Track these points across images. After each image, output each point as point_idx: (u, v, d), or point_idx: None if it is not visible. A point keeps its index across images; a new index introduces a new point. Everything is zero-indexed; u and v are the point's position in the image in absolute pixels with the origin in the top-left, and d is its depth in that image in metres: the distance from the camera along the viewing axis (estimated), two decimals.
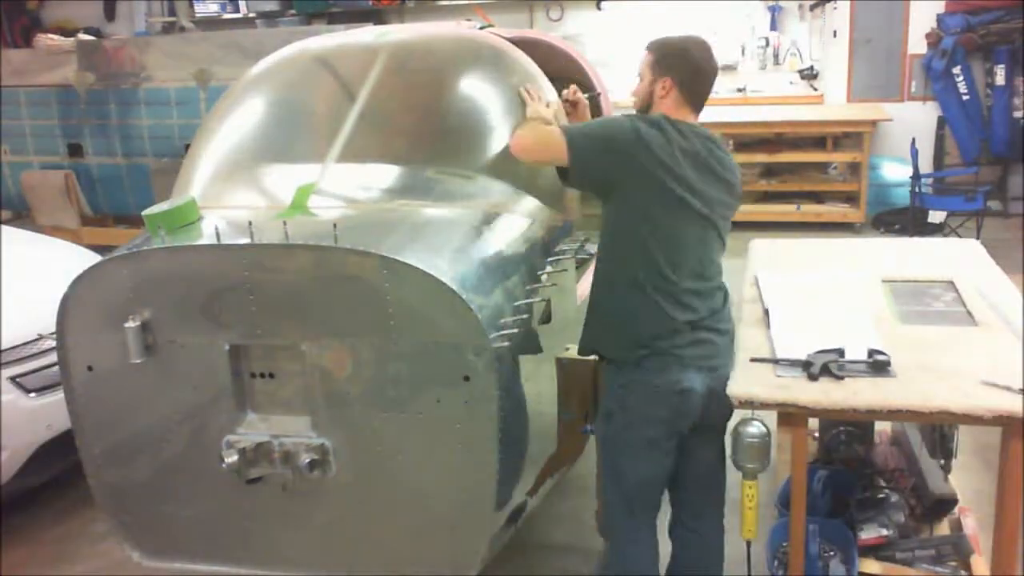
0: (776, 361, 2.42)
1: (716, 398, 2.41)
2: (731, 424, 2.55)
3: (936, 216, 6.63)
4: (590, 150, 2.44)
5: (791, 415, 2.33)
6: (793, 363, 2.38)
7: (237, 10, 9.33)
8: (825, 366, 2.32)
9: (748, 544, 2.63)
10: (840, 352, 2.37)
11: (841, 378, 2.30)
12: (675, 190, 2.36)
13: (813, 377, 2.31)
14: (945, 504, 2.98)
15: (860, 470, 3.14)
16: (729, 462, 2.58)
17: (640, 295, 2.41)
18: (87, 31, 9.04)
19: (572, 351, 2.82)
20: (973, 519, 3.01)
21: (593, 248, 3.45)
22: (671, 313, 2.40)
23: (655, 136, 2.37)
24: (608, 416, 2.52)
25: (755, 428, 2.48)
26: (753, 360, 2.44)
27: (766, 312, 2.77)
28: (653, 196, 2.38)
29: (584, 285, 3.14)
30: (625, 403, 2.46)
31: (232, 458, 2.37)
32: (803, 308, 2.78)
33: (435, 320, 2.24)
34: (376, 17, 8.81)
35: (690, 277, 2.43)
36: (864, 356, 2.36)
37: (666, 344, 2.40)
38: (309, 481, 2.39)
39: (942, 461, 3.00)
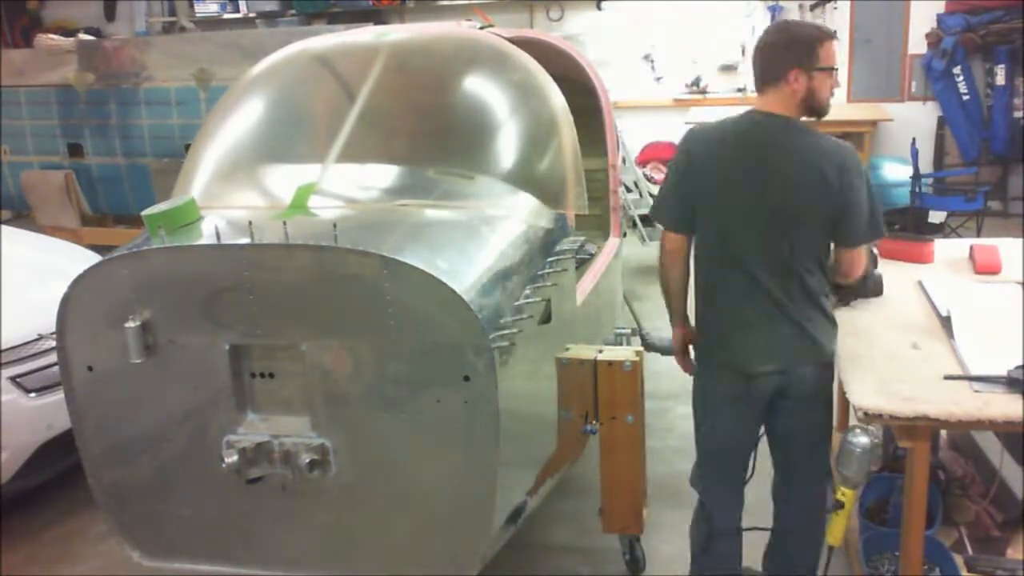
0: (973, 378, 2.32)
1: (799, 373, 2.48)
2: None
3: (936, 216, 6.62)
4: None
5: (916, 428, 2.23)
6: (994, 380, 2.27)
7: (237, 10, 9.33)
8: None
9: (830, 550, 2.59)
10: None
11: None
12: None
13: None
14: None
15: (935, 478, 3.05)
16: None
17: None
18: (87, 31, 9.04)
19: (572, 351, 2.82)
20: None
21: (593, 248, 3.45)
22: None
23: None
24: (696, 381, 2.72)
25: (865, 439, 2.38)
26: (947, 378, 2.34)
27: (947, 320, 2.67)
28: None
29: (584, 285, 3.13)
30: (700, 375, 2.68)
31: (232, 458, 2.37)
32: (982, 317, 2.68)
33: (435, 320, 2.23)
34: (376, 17, 8.81)
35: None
36: None
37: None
38: (309, 481, 2.39)
39: None
